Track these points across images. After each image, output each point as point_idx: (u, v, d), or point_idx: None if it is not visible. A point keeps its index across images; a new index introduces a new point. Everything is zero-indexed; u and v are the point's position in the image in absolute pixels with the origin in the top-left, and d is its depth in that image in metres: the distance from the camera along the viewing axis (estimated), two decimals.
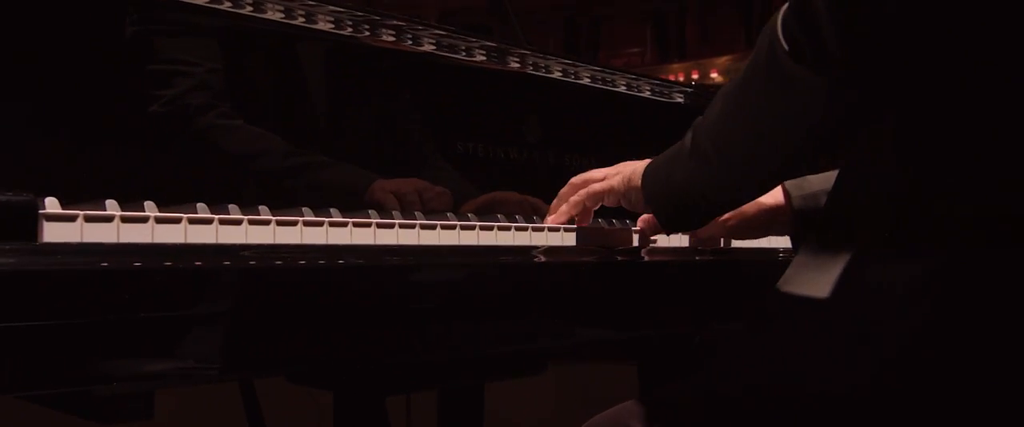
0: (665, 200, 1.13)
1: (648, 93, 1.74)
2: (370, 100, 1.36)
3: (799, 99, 0.93)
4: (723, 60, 7.56)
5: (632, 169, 1.21)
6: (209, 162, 1.12)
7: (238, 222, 0.88)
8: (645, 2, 8.47)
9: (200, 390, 1.75)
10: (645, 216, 1.28)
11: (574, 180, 1.29)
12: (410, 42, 1.36)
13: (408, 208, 1.25)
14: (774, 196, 1.34)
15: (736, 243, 1.50)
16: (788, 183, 1.33)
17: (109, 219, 0.80)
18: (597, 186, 1.25)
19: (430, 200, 1.32)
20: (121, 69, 1.07)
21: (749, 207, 1.32)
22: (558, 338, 1.25)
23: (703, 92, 1.91)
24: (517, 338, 1.15)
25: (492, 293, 1.08)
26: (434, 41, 1.39)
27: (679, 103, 1.82)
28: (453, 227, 1.09)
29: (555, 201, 1.30)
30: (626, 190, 1.21)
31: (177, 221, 0.85)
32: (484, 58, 1.46)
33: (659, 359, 1.94)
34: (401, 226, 1.03)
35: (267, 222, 0.91)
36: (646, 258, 1.29)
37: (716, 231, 1.35)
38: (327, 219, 0.96)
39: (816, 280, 0.96)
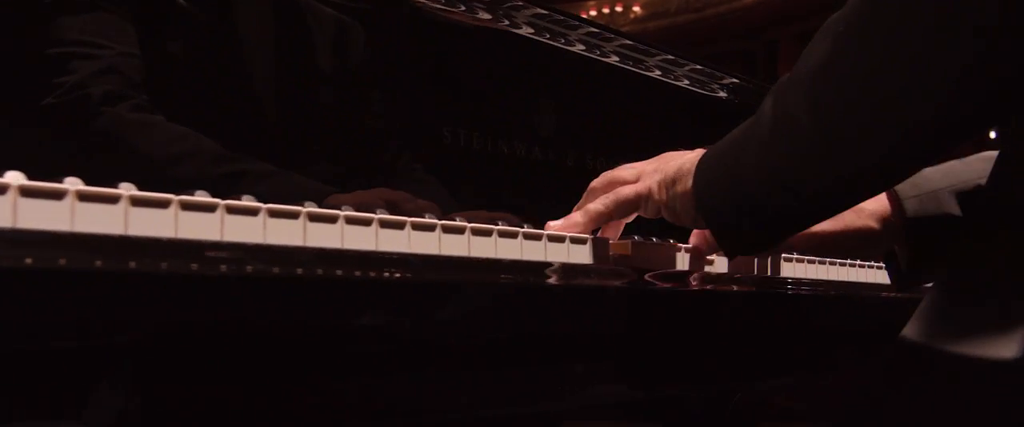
0: (727, 203, 0.78)
1: (686, 82, 1.40)
2: (329, 88, 1.07)
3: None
4: None
5: (677, 165, 0.85)
6: (116, 167, 0.91)
7: None
8: None
9: None
10: (699, 231, 0.93)
11: (596, 182, 0.93)
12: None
13: None
14: (877, 198, 0.98)
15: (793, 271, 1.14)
16: None
17: None
18: (626, 191, 0.89)
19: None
20: (5, 53, 0.86)
21: (845, 214, 0.97)
22: (566, 395, 0.90)
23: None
24: (509, 396, 0.83)
25: (482, 328, 0.75)
26: None
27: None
28: (431, 228, 0.73)
29: (574, 209, 0.95)
30: (668, 195, 0.86)
31: None
32: (489, 17, 1.11)
33: (689, 422, 1.58)
34: (349, 221, 0.67)
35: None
36: (695, 286, 0.93)
37: (800, 247, 0.99)
38: (224, 202, 0.61)
39: (984, 332, 0.62)
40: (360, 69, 1.08)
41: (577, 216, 0.91)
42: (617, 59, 1.34)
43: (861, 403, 0.73)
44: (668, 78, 1.42)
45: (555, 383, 0.87)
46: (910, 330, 0.71)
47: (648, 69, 1.40)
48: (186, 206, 0.57)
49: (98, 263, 0.52)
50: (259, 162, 0.98)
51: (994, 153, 0.81)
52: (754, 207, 0.76)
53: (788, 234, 0.82)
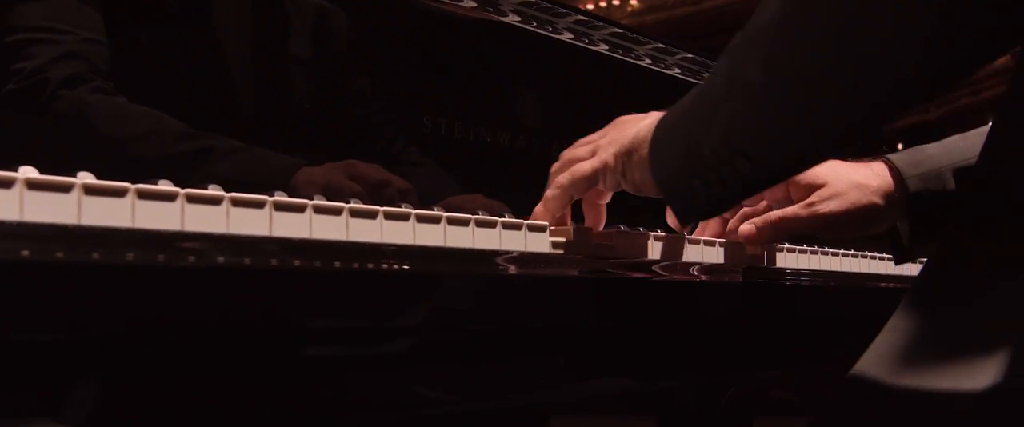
0: (685, 172, 0.75)
1: (677, 71, 1.38)
2: (299, 63, 1.04)
3: None
4: None
5: (633, 134, 0.82)
6: (78, 149, 0.88)
7: None
8: None
9: None
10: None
11: (554, 166, 0.90)
12: None
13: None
14: (879, 175, 0.96)
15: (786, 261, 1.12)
16: (896, 158, 0.96)
17: None
18: (582, 167, 0.86)
19: (387, 196, 0.95)
20: None
21: (851, 191, 0.94)
22: (546, 388, 0.88)
23: None
24: (489, 389, 0.81)
25: (454, 320, 0.72)
26: None
27: None
28: (405, 217, 0.70)
29: (546, 191, 0.91)
30: (625, 166, 0.82)
31: None
32: (474, 5, 1.08)
33: (683, 414, 1.55)
34: (318, 210, 0.65)
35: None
36: (664, 275, 0.90)
37: (805, 228, 0.96)
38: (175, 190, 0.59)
39: (955, 358, 0.60)
40: (341, 56, 1.06)
41: (538, 208, 0.89)
42: (606, 48, 1.31)
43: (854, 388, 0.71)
44: (659, 67, 1.40)
45: (539, 377, 0.85)
46: (900, 315, 0.68)
47: (638, 58, 1.38)
48: (143, 195, 0.55)
49: (58, 255, 0.50)
50: (224, 138, 0.95)
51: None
52: (709, 173, 0.73)
53: (743, 198, 0.80)
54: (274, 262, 0.59)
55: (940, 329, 0.66)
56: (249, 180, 0.89)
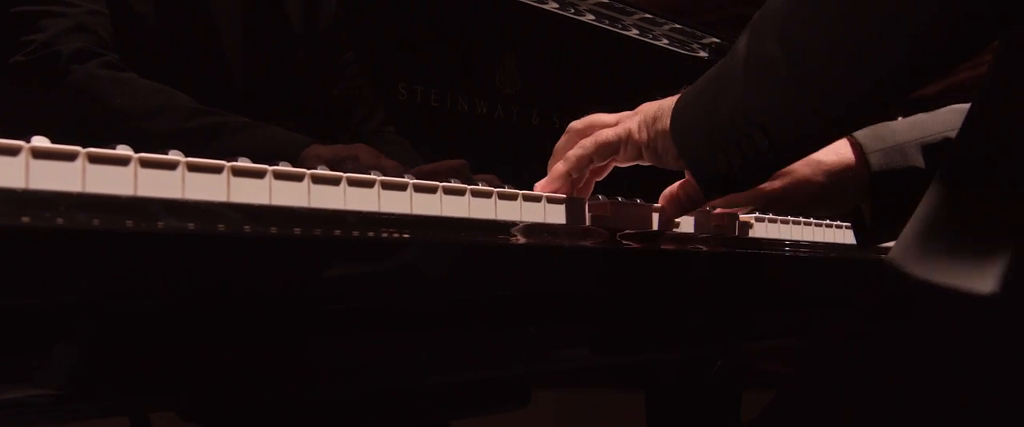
0: (706, 142, 0.77)
1: (665, 42, 1.37)
2: (302, 43, 1.04)
3: None
4: None
5: (658, 105, 0.84)
6: (90, 121, 0.89)
7: None
8: None
9: None
10: (670, 189, 0.90)
11: (573, 125, 0.92)
12: None
13: None
14: (838, 152, 0.95)
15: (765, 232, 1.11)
16: (860, 134, 0.95)
17: None
18: (607, 133, 0.87)
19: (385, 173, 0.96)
20: None
21: (800, 167, 0.94)
22: (540, 359, 0.88)
23: None
24: (486, 359, 0.80)
25: (452, 290, 0.73)
26: None
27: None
28: (402, 188, 0.70)
29: (551, 160, 0.93)
30: (648, 136, 0.84)
31: None
32: None
33: (670, 388, 1.55)
34: (316, 180, 0.64)
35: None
36: (666, 246, 0.91)
37: (750, 202, 0.96)
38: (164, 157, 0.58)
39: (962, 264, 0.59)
40: (329, 24, 1.05)
41: (560, 165, 0.89)
42: (592, 17, 1.30)
43: (844, 333, 0.71)
44: (646, 37, 1.38)
45: (524, 347, 0.85)
46: (894, 253, 0.68)
47: (626, 28, 1.36)
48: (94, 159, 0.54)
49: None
50: (234, 115, 0.96)
51: (963, 106, 0.78)
52: (728, 144, 0.75)
53: (764, 172, 0.80)
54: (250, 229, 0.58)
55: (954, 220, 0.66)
56: (262, 156, 0.91)
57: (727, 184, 0.80)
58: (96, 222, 0.51)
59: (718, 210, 1.01)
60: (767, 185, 0.94)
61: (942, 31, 0.63)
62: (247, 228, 0.60)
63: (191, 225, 0.56)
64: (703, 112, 0.77)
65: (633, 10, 1.36)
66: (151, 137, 0.89)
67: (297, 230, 0.63)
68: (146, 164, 0.57)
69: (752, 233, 1.04)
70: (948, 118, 0.92)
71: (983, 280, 0.60)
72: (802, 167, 0.94)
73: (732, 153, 0.75)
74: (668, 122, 0.81)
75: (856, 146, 0.96)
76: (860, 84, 0.67)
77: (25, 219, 0.49)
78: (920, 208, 0.69)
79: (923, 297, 0.65)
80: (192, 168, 0.59)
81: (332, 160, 0.95)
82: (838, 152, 0.96)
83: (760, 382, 1.66)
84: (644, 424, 1.57)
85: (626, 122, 0.87)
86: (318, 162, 0.94)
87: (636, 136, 0.85)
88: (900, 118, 0.98)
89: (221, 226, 0.58)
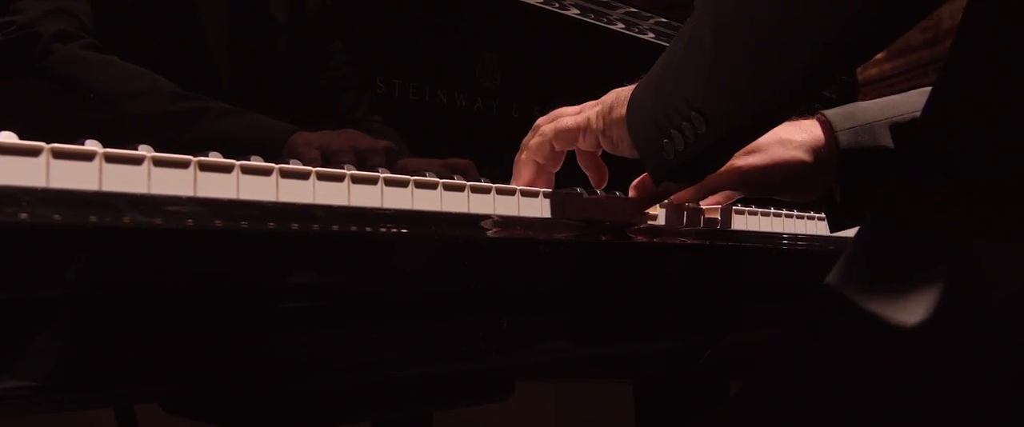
0: (652, 128, 0.78)
1: (651, 36, 1.37)
2: (288, 30, 1.03)
3: None
4: None
5: (616, 94, 0.86)
6: (72, 103, 0.88)
7: None
8: None
9: None
10: (638, 180, 0.91)
11: (540, 121, 0.93)
12: None
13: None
14: (808, 130, 0.96)
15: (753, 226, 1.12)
16: (829, 113, 0.96)
17: None
18: (567, 121, 0.89)
19: (371, 160, 0.96)
20: None
21: (772, 146, 0.94)
22: (520, 351, 0.89)
23: None
24: (464, 351, 0.81)
25: (429, 283, 0.74)
26: None
27: None
28: (373, 181, 0.71)
29: (518, 153, 0.94)
30: (605, 123, 0.86)
31: None
32: None
33: (657, 380, 1.56)
34: (285, 175, 0.65)
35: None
36: (640, 238, 0.92)
37: (725, 183, 0.96)
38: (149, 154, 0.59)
39: (895, 291, 0.60)
40: (314, 13, 1.05)
41: (524, 155, 0.92)
42: (577, 12, 1.31)
43: (785, 352, 0.72)
44: (632, 32, 1.39)
45: (497, 340, 0.86)
46: (833, 277, 0.69)
47: (611, 22, 1.37)
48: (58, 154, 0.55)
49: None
50: (219, 101, 0.95)
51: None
52: (672, 130, 0.76)
53: (708, 160, 0.80)
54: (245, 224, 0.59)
55: (873, 291, 0.66)
56: (247, 141, 0.92)
57: (675, 172, 0.80)
58: (57, 218, 0.52)
59: (683, 201, 1.01)
60: (741, 163, 0.94)
61: (869, 11, 0.64)
62: (217, 222, 0.61)
63: (158, 220, 0.57)
64: (651, 98, 0.78)
65: (619, 4, 1.36)
66: (135, 120, 0.90)
67: (269, 225, 0.64)
68: (111, 159, 0.58)
69: (722, 226, 1.05)
70: (918, 100, 0.92)
71: (910, 311, 0.61)
72: (773, 144, 0.95)
73: (676, 139, 0.76)
74: (623, 111, 0.82)
75: (826, 124, 0.96)
76: (792, 65, 0.68)
77: None
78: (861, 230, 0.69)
79: (860, 322, 0.65)
80: (158, 163, 0.60)
81: (321, 149, 0.95)
82: (808, 130, 0.96)
83: (748, 373, 1.67)
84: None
85: (586, 111, 0.89)
86: (308, 148, 0.94)
87: (594, 125, 0.87)
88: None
89: (189, 221, 0.59)
